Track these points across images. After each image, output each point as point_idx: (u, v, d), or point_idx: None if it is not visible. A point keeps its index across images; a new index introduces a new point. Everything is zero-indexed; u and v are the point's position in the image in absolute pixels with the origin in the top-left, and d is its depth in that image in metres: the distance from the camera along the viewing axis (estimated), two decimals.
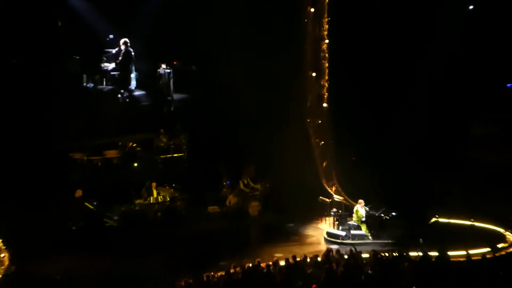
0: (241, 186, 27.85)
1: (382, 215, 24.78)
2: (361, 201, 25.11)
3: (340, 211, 25.92)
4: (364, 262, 19.23)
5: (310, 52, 28.53)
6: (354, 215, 25.13)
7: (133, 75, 29.06)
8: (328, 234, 25.26)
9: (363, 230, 24.76)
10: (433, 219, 25.80)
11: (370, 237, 24.61)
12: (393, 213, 24.83)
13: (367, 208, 25.00)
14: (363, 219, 24.78)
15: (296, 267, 18.99)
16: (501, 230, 24.66)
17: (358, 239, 24.50)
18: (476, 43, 28.08)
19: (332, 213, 26.07)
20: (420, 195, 26.60)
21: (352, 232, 24.78)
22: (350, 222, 25.17)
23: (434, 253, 19.54)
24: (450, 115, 28.69)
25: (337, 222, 25.66)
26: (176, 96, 30.03)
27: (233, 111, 28.19)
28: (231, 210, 27.26)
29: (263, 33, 27.98)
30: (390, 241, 24.07)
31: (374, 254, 19.59)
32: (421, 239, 21.22)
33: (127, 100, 28.97)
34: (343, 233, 24.87)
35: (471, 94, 28.75)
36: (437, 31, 27.98)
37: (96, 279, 21.57)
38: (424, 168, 27.81)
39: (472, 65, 28.38)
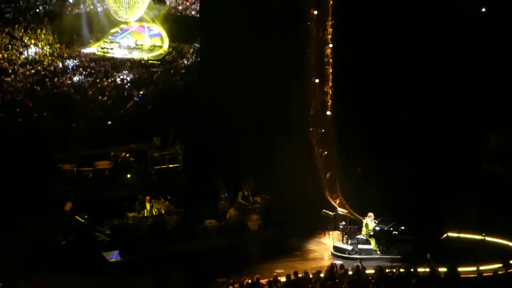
0: (239, 198, 27.94)
1: (392, 229, 24.94)
2: (370, 214, 25.27)
3: (348, 225, 26.11)
4: (370, 278, 19.41)
5: (313, 57, 28.67)
6: (363, 228, 25.32)
7: None
8: (335, 248, 25.45)
9: (372, 245, 24.95)
10: (445, 235, 25.98)
11: (378, 252, 24.80)
12: (402, 228, 24.99)
13: (376, 222, 25.19)
14: (372, 233, 24.97)
15: (297, 284, 19.16)
16: None
17: (366, 254, 24.68)
18: (489, 49, 28.13)
19: (341, 227, 26.25)
20: (431, 209, 26.69)
21: (360, 246, 24.98)
22: (358, 236, 25.37)
23: (443, 269, 19.73)
24: (463, 125, 28.70)
25: (345, 236, 25.84)
26: None
27: (232, 119, 28.36)
28: (229, 224, 27.33)
29: (264, 37, 28.10)
30: (398, 256, 24.25)
31: (380, 270, 19.77)
32: (428, 255, 21.37)
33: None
34: (350, 248, 25.06)
35: (486, 104, 28.85)
36: (448, 36, 28.06)
37: None
38: (435, 180, 27.83)
39: (486, 73, 28.44)
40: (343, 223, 26.25)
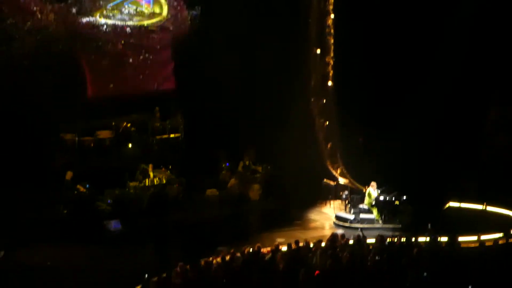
0: (240, 168, 27.83)
1: (394, 199, 24.83)
2: (373, 183, 25.17)
3: (350, 194, 26.03)
4: (371, 247, 19.30)
5: (314, 28, 28.49)
6: (366, 198, 25.25)
7: None
8: (337, 217, 25.39)
9: (374, 214, 24.88)
10: (447, 205, 25.90)
11: (380, 222, 24.73)
12: (404, 197, 24.89)
13: (379, 191, 25.09)
14: (374, 202, 24.89)
15: (298, 253, 19.06)
16: None
17: (367, 223, 24.65)
18: (494, 23, 27.91)
19: (343, 196, 26.16)
20: (432, 179, 26.58)
21: (362, 215, 24.90)
22: (361, 206, 25.29)
23: (444, 239, 19.63)
24: (467, 97, 28.52)
25: (348, 205, 25.75)
26: None
27: (233, 89, 28.17)
28: (230, 193, 27.26)
29: (265, 7, 27.83)
30: (400, 226, 24.19)
31: (381, 239, 19.66)
32: (429, 225, 21.30)
33: None
34: (352, 217, 24.99)
35: (488, 75, 28.63)
36: (455, 6, 27.83)
37: (87, 267, 21.66)
38: (437, 151, 27.71)
39: (490, 45, 28.25)
40: (346, 192, 26.16)
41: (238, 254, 19.19)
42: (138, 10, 28.83)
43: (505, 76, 28.40)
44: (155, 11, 29.19)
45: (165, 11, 29.33)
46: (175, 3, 29.57)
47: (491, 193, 25.99)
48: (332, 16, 28.27)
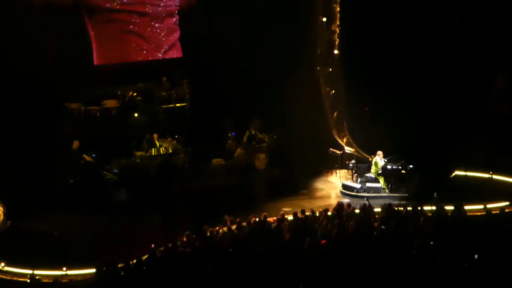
0: (246, 137, 27.77)
1: (401, 167, 24.78)
2: (379, 152, 25.11)
3: (358, 163, 26.00)
4: (377, 216, 19.30)
5: None
6: (372, 167, 25.21)
7: None
8: (344, 186, 25.38)
9: (381, 183, 24.84)
10: (454, 173, 25.86)
11: (386, 190, 24.72)
12: (411, 166, 24.83)
13: (386, 160, 25.04)
14: (380, 171, 24.85)
15: (305, 222, 19.08)
16: None
17: (374, 192, 24.63)
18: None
19: (350, 165, 26.11)
20: (439, 147, 26.50)
21: (368, 184, 24.87)
22: (367, 175, 25.26)
23: (450, 207, 19.63)
24: (472, 65, 28.35)
25: (355, 174, 25.71)
26: None
27: (239, 59, 28.04)
28: (236, 163, 27.22)
29: None
30: (406, 195, 24.16)
31: (387, 208, 19.67)
32: (435, 194, 21.28)
33: None
34: (359, 186, 24.97)
35: (495, 43, 28.45)
36: None
37: (94, 236, 21.74)
38: (443, 119, 27.59)
39: (497, 12, 28.03)
40: (353, 161, 26.11)
41: (244, 224, 19.27)
42: None
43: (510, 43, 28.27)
44: None
45: None
46: None
47: (497, 161, 25.97)
48: None
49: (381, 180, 24.87)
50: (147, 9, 29.01)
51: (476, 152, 26.84)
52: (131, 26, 28.94)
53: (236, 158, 27.17)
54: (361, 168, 25.76)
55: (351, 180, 25.76)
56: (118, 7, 28.45)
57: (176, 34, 29.87)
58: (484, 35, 27.75)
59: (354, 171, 25.90)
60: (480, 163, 26.07)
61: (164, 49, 29.71)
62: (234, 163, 27.08)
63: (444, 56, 27.08)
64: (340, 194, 25.17)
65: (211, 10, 29.02)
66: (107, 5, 28.36)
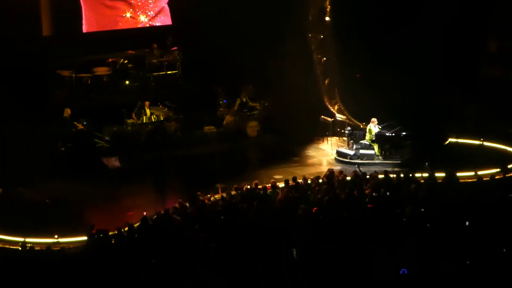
0: (237, 105, 27.67)
1: (394, 134, 24.72)
2: (374, 119, 25.01)
3: (354, 130, 25.97)
4: (369, 184, 19.28)
5: None
6: (367, 134, 25.15)
7: None
8: (338, 153, 25.34)
9: (375, 150, 24.81)
10: (448, 140, 25.87)
11: (380, 157, 24.69)
12: (404, 133, 24.77)
13: (380, 127, 24.98)
14: (374, 138, 24.82)
15: (296, 189, 19.07)
16: None
17: (367, 159, 24.59)
18: None
19: (346, 132, 26.05)
20: (432, 114, 26.48)
21: (362, 151, 24.82)
22: (362, 141, 25.20)
23: (442, 174, 19.64)
24: (463, 30, 28.25)
25: (351, 141, 25.66)
26: None
27: (230, 25, 27.85)
28: (228, 130, 27.18)
29: None
30: (399, 162, 24.14)
31: (379, 175, 19.69)
32: (427, 164, 21.28)
33: None
34: (352, 152, 24.93)
35: (485, 8, 28.33)
36: None
37: (86, 203, 21.73)
38: (434, 85, 27.54)
39: None
40: (348, 128, 26.02)
41: (237, 191, 19.26)
42: None
43: (502, 8, 28.14)
44: None
45: None
46: None
47: (488, 127, 26.02)
48: None
49: (375, 146, 24.82)
50: None
51: (468, 118, 26.91)
52: None
53: (226, 126, 27.14)
54: (356, 135, 25.69)
55: (346, 147, 25.71)
56: None
57: (165, 0, 29.67)
58: (476, 4, 27.72)
59: (349, 138, 25.82)
60: (472, 130, 26.11)
61: (152, 16, 29.47)
62: (226, 131, 27.04)
63: (436, 23, 26.97)
64: (334, 161, 25.15)
65: None
66: None
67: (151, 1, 29.31)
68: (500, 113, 26.46)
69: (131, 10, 28.91)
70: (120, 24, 28.88)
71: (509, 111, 26.25)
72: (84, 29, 28.28)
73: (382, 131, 24.84)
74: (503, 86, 27.46)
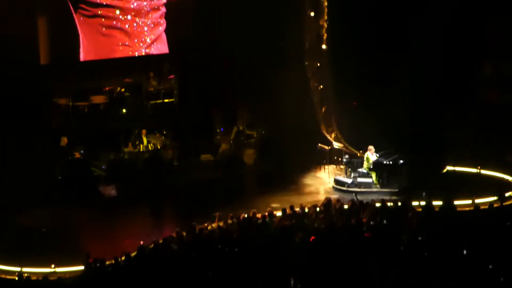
0: (234, 133, 27.77)
1: (392, 162, 24.82)
2: (371, 147, 25.07)
3: (351, 158, 26.04)
4: (366, 212, 19.32)
5: None
6: (365, 162, 25.21)
7: None
8: (336, 181, 25.40)
9: (373, 178, 24.87)
10: (446, 169, 25.97)
11: (378, 186, 24.75)
12: (402, 161, 24.86)
13: (378, 155, 25.07)
14: (371, 166, 24.89)
15: (293, 218, 19.09)
16: (510, 178, 24.81)
17: (365, 187, 24.64)
18: None
19: (344, 160, 26.12)
20: (430, 142, 26.57)
21: (359, 179, 24.89)
22: (360, 170, 25.27)
23: (438, 202, 19.69)
24: (459, 54, 28.40)
25: (349, 169, 25.73)
26: None
27: (228, 53, 28.02)
28: (225, 158, 27.26)
29: None
30: (397, 190, 24.19)
31: (376, 204, 19.73)
32: (424, 193, 21.34)
33: None
34: (350, 181, 25.00)
35: (481, 31, 28.49)
36: None
37: (82, 232, 21.75)
38: (431, 112, 27.64)
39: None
40: (346, 156, 26.12)
41: (234, 220, 19.29)
42: None
43: (497, 31, 28.33)
44: None
45: None
46: None
47: (485, 154, 26.11)
48: None
49: (373, 175, 24.89)
50: (131, 4, 28.88)
51: (465, 145, 26.98)
52: (114, 22, 28.80)
53: (223, 153, 27.23)
54: (354, 163, 25.78)
55: (344, 175, 25.78)
56: (99, 1, 28.27)
57: (162, 28, 29.78)
58: (470, 23, 27.88)
59: (347, 166, 25.90)
60: (468, 157, 26.19)
61: (148, 44, 29.58)
62: (222, 159, 27.13)
63: (432, 49, 27.16)
64: (331, 189, 25.19)
65: (199, 5, 29.03)
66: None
67: (147, 30, 29.43)
68: (498, 139, 26.55)
69: (128, 38, 29.03)
70: (117, 52, 28.98)
71: (507, 137, 26.38)
72: (82, 57, 28.37)
73: (379, 159, 24.92)
74: (501, 111, 27.56)
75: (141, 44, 29.44)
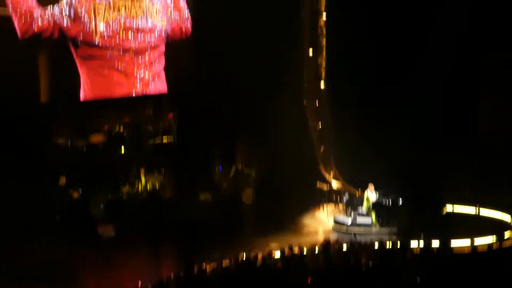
0: (232, 172, 27.93)
1: (391, 202, 24.97)
2: (370, 186, 25.27)
3: (351, 197, 26.18)
4: (365, 252, 19.44)
5: (306, 28, 28.61)
6: (364, 201, 25.38)
7: None
8: (335, 221, 25.52)
9: (372, 218, 25.00)
10: (445, 209, 26.10)
11: (377, 226, 24.87)
12: (401, 201, 25.01)
13: (378, 194, 25.22)
14: (371, 206, 25.03)
15: (292, 258, 19.19)
16: (508, 218, 24.93)
17: (364, 227, 24.76)
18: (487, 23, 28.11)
19: (344, 200, 26.27)
20: (429, 181, 26.73)
21: (358, 220, 25.01)
22: (360, 209, 25.43)
23: (437, 243, 19.81)
24: (456, 95, 28.68)
25: (349, 209, 25.86)
26: None
27: (225, 91, 28.27)
28: (223, 197, 27.37)
29: (255, 4, 27.83)
30: (396, 230, 24.32)
31: (375, 244, 19.84)
32: (422, 234, 21.47)
33: None
34: (349, 221, 25.12)
35: (480, 69, 28.81)
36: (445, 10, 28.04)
37: (80, 271, 21.78)
38: (429, 151, 27.84)
39: (480, 34, 28.42)
40: (346, 195, 26.29)
41: (232, 261, 19.38)
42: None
43: (494, 65, 28.62)
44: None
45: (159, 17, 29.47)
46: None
47: (484, 193, 26.23)
48: (325, 15, 28.35)
49: (373, 214, 25.03)
50: (130, 44, 29.13)
51: (463, 185, 27.11)
52: (112, 62, 29.06)
53: (223, 193, 27.33)
54: (354, 202, 25.93)
55: (345, 214, 25.91)
56: (97, 42, 28.55)
57: (161, 66, 30.02)
58: (469, 61, 28.20)
59: (346, 206, 26.04)
60: (467, 197, 26.33)
61: (146, 83, 29.78)
62: (221, 198, 27.23)
63: (432, 87, 27.46)
64: (330, 229, 25.30)
65: (198, 42, 29.33)
66: (88, 39, 28.44)
67: (145, 69, 29.63)
68: (497, 180, 26.72)
69: (125, 78, 29.24)
70: (115, 92, 29.16)
71: (506, 178, 26.56)
72: (82, 96, 28.59)
73: (379, 199, 25.07)
74: (499, 146, 27.76)
75: (139, 84, 29.64)
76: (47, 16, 26.91)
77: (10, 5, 25.97)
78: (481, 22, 27.85)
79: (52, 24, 27.01)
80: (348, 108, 27.48)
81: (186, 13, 29.81)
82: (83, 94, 28.53)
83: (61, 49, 27.73)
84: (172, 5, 29.71)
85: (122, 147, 28.33)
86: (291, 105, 28.22)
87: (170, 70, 29.95)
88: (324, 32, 28.62)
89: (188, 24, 29.98)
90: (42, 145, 26.96)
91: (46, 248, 22.96)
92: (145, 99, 29.62)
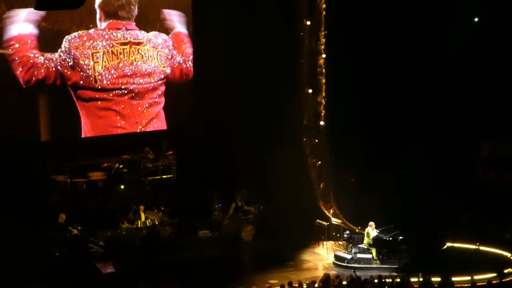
0: (232, 209, 28.04)
1: (391, 238, 25.08)
2: (371, 223, 25.40)
3: (352, 234, 26.29)
4: None
5: (306, 67, 28.88)
6: (365, 238, 25.48)
7: None
8: (336, 257, 25.60)
9: (373, 254, 25.09)
10: (446, 245, 26.20)
11: (377, 262, 24.95)
12: (401, 237, 25.13)
13: (378, 231, 25.34)
14: (371, 242, 25.15)
15: None
16: (508, 254, 25.03)
17: (364, 263, 24.84)
18: (483, 61, 28.45)
19: (345, 236, 26.39)
20: (429, 218, 26.85)
21: (359, 255, 25.10)
22: (360, 245, 25.51)
23: (437, 279, 19.88)
24: (456, 135, 28.92)
25: (349, 245, 25.97)
26: None
27: (225, 129, 28.51)
28: (223, 235, 27.43)
29: (255, 47, 28.18)
30: (397, 266, 24.38)
31: (375, 280, 19.94)
32: (420, 274, 21.54)
33: None
34: (349, 256, 25.20)
35: (478, 113, 29.08)
36: (441, 45, 28.40)
37: None
38: (429, 190, 28.00)
39: (478, 81, 28.77)
40: (347, 232, 26.41)
41: None
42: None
43: (494, 112, 28.91)
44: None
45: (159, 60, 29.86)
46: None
47: (484, 231, 26.34)
48: (324, 55, 28.66)
49: (373, 251, 25.13)
50: (129, 87, 29.40)
51: (464, 223, 27.24)
52: (110, 104, 29.30)
53: (223, 230, 27.39)
54: (355, 238, 26.03)
55: (344, 250, 26.00)
56: (94, 85, 28.80)
57: (160, 106, 30.27)
58: (467, 104, 28.48)
59: (347, 242, 26.13)
60: (467, 234, 26.44)
61: (144, 124, 30.02)
62: (221, 235, 27.29)
63: (431, 129, 27.71)
64: (329, 265, 25.34)
65: (198, 82, 29.66)
66: (87, 84, 28.69)
67: (143, 111, 29.86)
68: (496, 218, 26.84)
69: (123, 120, 29.48)
70: (113, 132, 29.41)
71: (504, 215, 26.68)
72: (82, 135, 28.80)
73: (380, 235, 25.19)
74: (498, 190, 27.97)
75: (137, 125, 29.88)
76: (48, 65, 27.35)
77: (14, 56, 26.50)
78: (478, 72, 28.33)
79: (54, 72, 27.48)
80: (347, 146, 27.67)
81: (189, 57, 30.24)
82: (83, 133, 28.80)
83: (61, 92, 28.14)
84: (173, 49, 30.13)
85: (121, 184, 28.46)
86: (291, 143, 28.41)
87: (169, 108, 30.25)
88: (324, 71, 28.85)
89: (190, 67, 30.40)
90: (42, 182, 27.14)
91: (46, 286, 23.05)
92: (144, 137, 29.87)
